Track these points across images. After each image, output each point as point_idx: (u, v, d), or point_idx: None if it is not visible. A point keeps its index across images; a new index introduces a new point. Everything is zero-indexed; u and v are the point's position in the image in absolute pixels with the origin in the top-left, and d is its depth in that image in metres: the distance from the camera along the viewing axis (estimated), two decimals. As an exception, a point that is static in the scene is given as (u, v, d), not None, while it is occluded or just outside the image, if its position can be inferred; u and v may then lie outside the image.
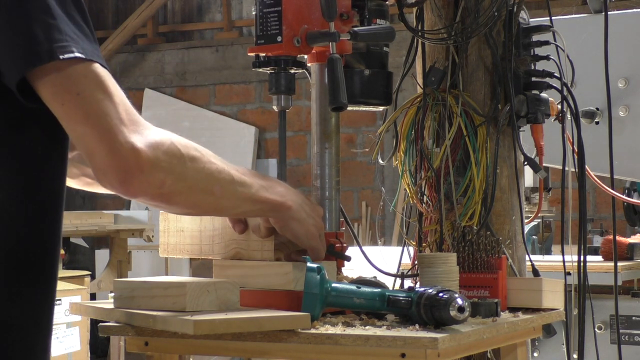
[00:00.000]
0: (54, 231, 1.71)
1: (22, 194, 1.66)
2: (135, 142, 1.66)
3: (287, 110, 2.32)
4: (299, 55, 2.28)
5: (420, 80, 2.70)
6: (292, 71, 2.28)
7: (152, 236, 6.30)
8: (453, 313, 1.96)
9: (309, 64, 2.37)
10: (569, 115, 2.68)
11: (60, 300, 5.05)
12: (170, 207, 1.89)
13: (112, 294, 2.18)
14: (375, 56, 2.47)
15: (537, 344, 3.87)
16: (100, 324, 2.12)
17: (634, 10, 4.10)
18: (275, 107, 2.31)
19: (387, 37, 2.31)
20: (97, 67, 1.65)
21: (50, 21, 1.60)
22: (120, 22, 10.69)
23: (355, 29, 2.25)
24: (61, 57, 1.60)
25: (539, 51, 2.68)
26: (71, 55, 1.61)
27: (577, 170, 2.68)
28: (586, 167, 2.71)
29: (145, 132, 1.69)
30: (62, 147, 1.73)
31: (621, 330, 3.75)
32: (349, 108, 2.46)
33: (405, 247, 2.73)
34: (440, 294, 1.99)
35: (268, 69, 2.28)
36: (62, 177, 1.73)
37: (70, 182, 2.14)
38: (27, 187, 1.67)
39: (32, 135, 1.67)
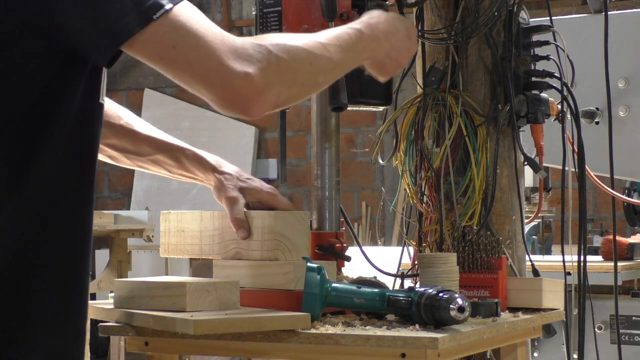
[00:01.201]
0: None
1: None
2: (242, 70, 1.73)
3: (287, 111, 2.31)
4: None
5: (420, 80, 2.70)
6: None
7: (152, 236, 6.29)
8: (453, 313, 1.96)
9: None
10: (569, 115, 2.68)
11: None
12: (286, 107, 1.99)
13: (112, 294, 2.19)
14: (375, 56, 2.47)
15: (537, 344, 3.87)
16: (100, 324, 2.12)
17: (634, 10, 4.10)
18: None
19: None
20: (182, 12, 1.69)
21: None
22: (120, 22, 10.66)
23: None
24: (154, 17, 1.65)
25: (539, 51, 2.68)
26: (162, 11, 1.65)
27: (577, 170, 2.68)
28: (586, 167, 2.71)
29: (248, 54, 1.74)
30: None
31: (621, 330, 3.75)
32: (349, 108, 2.46)
33: (405, 247, 2.73)
34: (440, 294, 1.99)
35: None
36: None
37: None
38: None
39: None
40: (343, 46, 1.96)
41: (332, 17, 2.19)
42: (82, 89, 1.69)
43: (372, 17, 2.09)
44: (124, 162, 2.25)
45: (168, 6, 1.66)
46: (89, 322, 1.85)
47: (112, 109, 2.20)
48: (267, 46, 1.79)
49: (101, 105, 1.76)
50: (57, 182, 1.68)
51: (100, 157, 2.20)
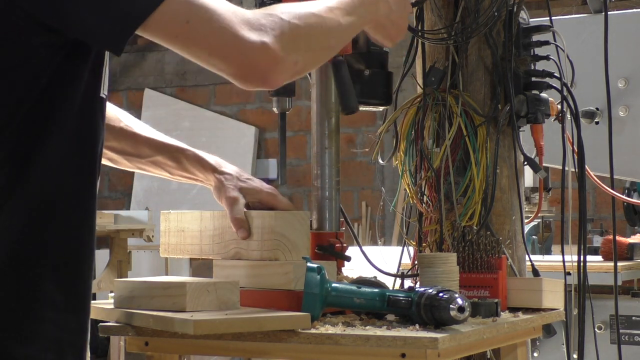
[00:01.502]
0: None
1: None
2: (258, 40, 1.74)
3: (288, 112, 2.32)
4: None
5: (420, 80, 2.70)
6: None
7: (152, 236, 6.29)
8: (453, 313, 1.96)
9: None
10: (569, 115, 2.68)
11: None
12: (303, 74, 1.99)
13: (112, 294, 2.19)
14: (375, 56, 2.47)
15: (537, 344, 3.87)
16: (100, 324, 2.12)
17: (634, 10, 4.10)
18: (275, 109, 2.31)
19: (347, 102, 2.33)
20: None
21: None
22: (121, 22, 10.66)
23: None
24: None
25: (539, 51, 2.68)
26: None
27: (577, 170, 2.68)
28: (586, 167, 2.71)
29: (261, 24, 1.76)
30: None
31: (621, 330, 3.75)
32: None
33: (405, 247, 2.73)
34: (440, 294, 1.99)
35: None
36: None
37: None
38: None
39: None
40: (347, 9, 1.99)
41: None
42: (84, 84, 1.69)
43: None
44: (124, 165, 2.25)
45: None
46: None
47: (112, 111, 2.20)
48: (278, 15, 1.80)
49: (102, 99, 1.76)
50: (59, 178, 1.68)
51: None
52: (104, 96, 1.77)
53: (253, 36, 1.74)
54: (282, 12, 1.82)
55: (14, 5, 1.60)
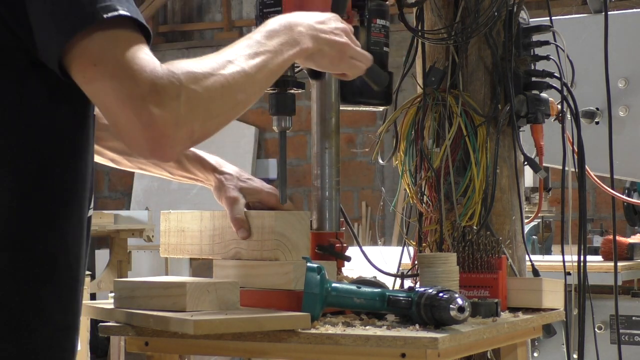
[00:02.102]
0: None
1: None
2: (152, 110, 1.58)
3: (288, 130, 2.31)
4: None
5: (420, 80, 2.70)
6: (292, 91, 2.27)
7: (152, 236, 6.30)
8: (453, 313, 1.96)
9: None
10: (569, 115, 2.68)
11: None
12: (207, 138, 1.77)
13: (112, 294, 2.19)
14: (375, 56, 2.46)
15: (537, 344, 3.87)
16: (100, 324, 2.12)
17: (634, 10, 4.10)
18: (275, 128, 2.29)
19: (378, 81, 2.30)
20: (119, 32, 1.59)
21: None
22: (121, 22, 10.66)
23: None
24: (105, 16, 1.56)
25: (539, 51, 2.68)
26: (115, 13, 1.57)
27: (577, 170, 2.68)
28: (586, 167, 2.71)
29: (161, 89, 1.59)
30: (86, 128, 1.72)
31: (621, 330, 3.75)
32: (349, 108, 2.47)
33: (405, 247, 2.73)
34: (440, 294, 1.99)
35: (269, 89, 2.23)
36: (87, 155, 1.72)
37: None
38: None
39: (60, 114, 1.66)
40: (251, 53, 1.78)
41: (343, 10, 2.17)
42: (77, 101, 1.66)
43: (268, 20, 1.92)
44: (125, 165, 2.24)
45: (116, 13, 1.58)
46: (88, 320, 1.85)
47: None
48: (179, 76, 1.62)
49: (94, 117, 1.73)
50: (55, 189, 1.67)
51: (102, 160, 2.20)
52: (95, 115, 1.75)
53: (150, 105, 1.57)
54: (183, 72, 1.63)
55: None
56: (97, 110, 1.73)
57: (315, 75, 2.20)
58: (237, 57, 1.75)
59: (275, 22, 1.90)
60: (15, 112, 1.62)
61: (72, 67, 1.58)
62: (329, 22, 2.01)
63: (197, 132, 1.66)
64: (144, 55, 1.59)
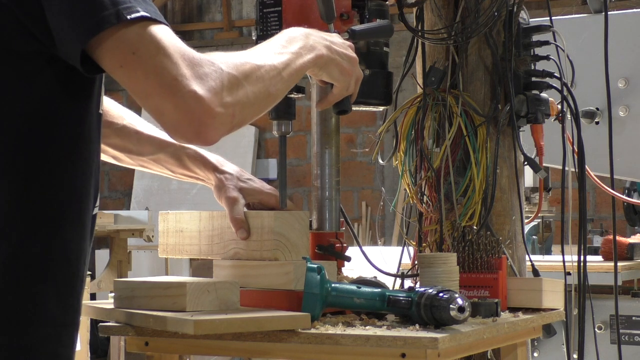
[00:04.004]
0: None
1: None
2: (197, 91, 1.63)
3: (288, 136, 2.31)
4: None
5: (420, 80, 2.70)
6: (292, 96, 2.27)
7: (152, 236, 6.30)
8: (453, 313, 1.96)
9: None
10: (569, 115, 2.68)
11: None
12: (243, 126, 1.85)
13: (112, 294, 2.19)
14: (375, 56, 2.47)
15: (537, 344, 3.87)
16: (100, 324, 2.12)
17: (634, 10, 4.10)
18: (275, 133, 2.30)
19: (385, 32, 2.30)
20: (152, 25, 1.62)
21: None
22: (121, 22, 10.65)
23: (353, 27, 2.24)
24: (129, 17, 1.60)
25: (539, 51, 2.68)
26: (137, 14, 1.60)
27: (577, 170, 2.68)
28: (586, 167, 2.71)
29: (205, 73, 1.65)
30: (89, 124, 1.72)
31: (621, 330, 3.75)
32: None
33: (405, 247, 2.73)
34: (440, 294, 1.99)
35: None
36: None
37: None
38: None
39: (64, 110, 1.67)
40: (279, 51, 1.88)
41: (331, 19, 2.19)
42: (81, 99, 1.68)
43: (283, 30, 2.00)
44: (127, 162, 2.25)
45: (141, 14, 1.61)
46: (88, 320, 1.85)
47: (115, 109, 2.19)
48: (221, 60, 1.70)
49: (100, 115, 1.75)
50: (56, 187, 1.67)
51: (104, 157, 2.20)
52: (101, 112, 1.76)
53: (194, 85, 1.63)
54: (226, 61, 1.71)
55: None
56: (103, 108, 1.74)
57: (341, 110, 2.19)
58: (266, 54, 1.84)
59: (291, 31, 1.98)
60: (15, 109, 1.63)
61: (106, 59, 1.62)
62: (336, 38, 2.09)
63: (237, 116, 1.72)
64: (181, 43, 1.65)
